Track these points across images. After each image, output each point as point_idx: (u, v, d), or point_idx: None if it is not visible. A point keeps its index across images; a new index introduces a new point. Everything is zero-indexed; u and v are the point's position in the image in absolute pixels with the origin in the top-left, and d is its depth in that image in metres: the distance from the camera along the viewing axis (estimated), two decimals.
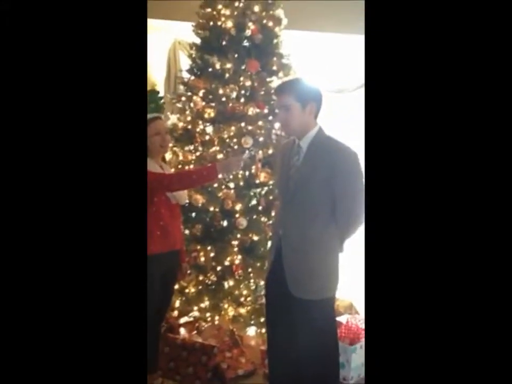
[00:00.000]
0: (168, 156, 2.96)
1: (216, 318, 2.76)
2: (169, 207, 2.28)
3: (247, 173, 2.81)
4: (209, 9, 2.95)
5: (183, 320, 2.90)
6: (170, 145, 2.93)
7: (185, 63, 3.44)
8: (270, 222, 2.81)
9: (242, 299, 2.76)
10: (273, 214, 2.79)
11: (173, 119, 3.15)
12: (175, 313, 2.86)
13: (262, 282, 2.76)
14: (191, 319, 2.93)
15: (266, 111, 2.87)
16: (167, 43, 3.88)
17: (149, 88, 2.55)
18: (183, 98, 3.03)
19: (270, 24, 2.93)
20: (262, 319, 2.70)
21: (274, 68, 2.93)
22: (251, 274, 2.77)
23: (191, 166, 2.86)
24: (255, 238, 2.77)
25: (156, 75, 3.85)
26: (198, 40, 3.04)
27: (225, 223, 2.83)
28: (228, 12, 2.90)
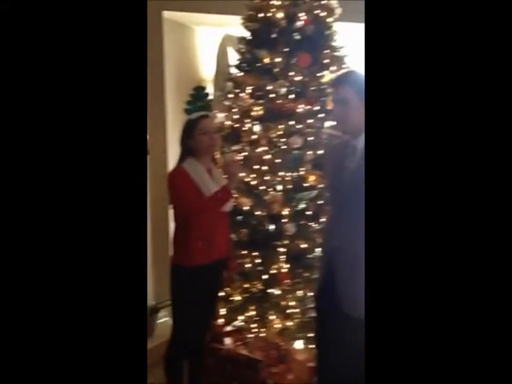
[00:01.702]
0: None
1: (262, 330, 2.59)
2: (212, 214, 2.15)
3: (295, 175, 2.61)
4: (259, 0, 2.77)
5: (228, 328, 2.77)
6: None
7: (235, 59, 3.30)
8: (319, 227, 2.60)
9: (289, 311, 2.57)
10: (322, 220, 2.58)
11: (220, 117, 3.01)
12: (221, 321, 2.73)
13: (311, 294, 2.57)
14: (238, 325, 2.79)
15: (317, 108, 2.64)
16: (218, 38, 3.75)
17: (195, 85, 2.41)
18: (231, 96, 2.88)
19: (323, 14, 2.70)
20: (311, 334, 2.50)
21: (327, 61, 2.69)
22: (299, 285, 2.57)
23: None
24: (303, 245, 2.57)
25: (206, 72, 3.74)
26: (247, 34, 2.88)
27: (271, 229, 2.66)
28: (278, 2, 2.71)
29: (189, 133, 2.13)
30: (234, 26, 3.37)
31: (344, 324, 1.76)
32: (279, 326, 2.57)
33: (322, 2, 2.68)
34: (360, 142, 1.74)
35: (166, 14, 3.43)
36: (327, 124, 2.59)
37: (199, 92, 2.36)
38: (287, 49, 2.70)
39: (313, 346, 2.48)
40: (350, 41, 2.82)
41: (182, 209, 2.08)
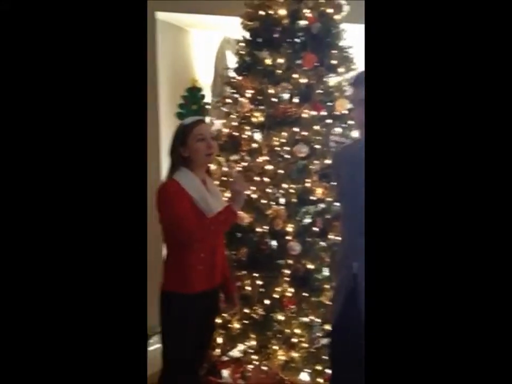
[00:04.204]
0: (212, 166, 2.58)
1: (264, 362, 2.31)
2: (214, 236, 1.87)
3: (300, 187, 2.35)
4: None
5: (225, 358, 2.49)
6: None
7: (233, 62, 3.08)
8: (327, 245, 2.35)
9: (294, 339, 2.29)
10: (330, 236, 2.32)
11: (217, 124, 2.76)
12: (217, 351, 2.45)
13: (318, 320, 2.31)
14: (236, 354, 2.51)
15: (324, 113, 2.40)
16: (213, 41, 3.52)
17: (189, 86, 2.17)
18: (229, 101, 2.64)
19: (330, 11, 2.47)
20: (319, 367, 2.23)
21: (334, 62, 2.46)
22: (305, 310, 2.30)
23: None
24: (310, 266, 2.30)
25: (201, 76, 3.50)
26: (246, 35, 2.64)
27: (274, 247, 2.39)
28: None
29: (182, 140, 1.86)
30: (230, 28, 3.16)
31: None
32: (283, 357, 2.28)
33: None
34: None
35: (160, 15, 3.21)
36: (336, 130, 2.34)
37: (193, 93, 2.10)
38: (290, 50, 2.47)
39: (323, 380, 2.23)
40: (357, 42, 2.59)
41: (178, 231, 1.78)
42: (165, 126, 3.19)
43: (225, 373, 2.41)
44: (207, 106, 2.27)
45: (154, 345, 2.97)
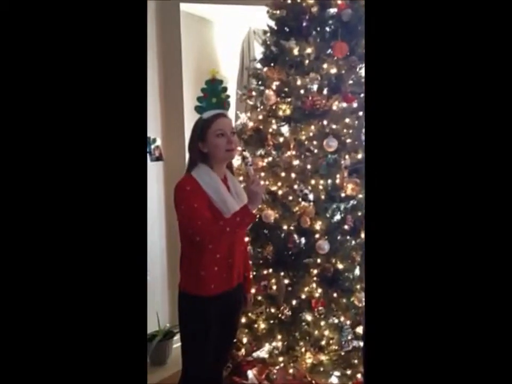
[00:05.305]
0: (236, 162, 2.49)
1: (291, 364, 2.23)
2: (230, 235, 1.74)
3: (329, 183, 2.24)
4: None
5: (249, 358, 2.42)
6: (239, 149, 2.47)
7: (259, 53, 2.98)
8: (358, 244, 2.24)
9: (323, 342, 2.20)
10: (363, 235, 2.21)
11: (242, 118, 2.67)
12: (242, 351, 2.38)
13: (349, 322, 2.21)
14: (261, 354, 2.44)
15: (355, 105, 2.28)
16: (238, 32, 3.43)
17: (210, 77, 2.09)
18: (254, 93, 2.54)
19: None
20: (349, 371, 2.14)
21: None
22: (335, 312, 2.20)
23: (262, 174, 2.36)
24: (340, 266, 2.20)
25: (227, 69, 3.42)
26: (272, 24, 2.54)
27: (302, 245, 2.30)
28: None
29: (201, 135, 1.77)
30: (254, 18, 3.06)
31: None
32: (311, 359, 2.20)
33: None
34: None
35: (184, 6, 3.14)
36: None
37: (213, 86, 2.01)
38: (319, 39, 2.36)
39: None
40: None
41: (191, 231, 1.68)
42: (189, 120, 3.13)
43: (250, 373, 2.34)
44: (228, 100, 2.19)
45: (179, 343, 2.93)
